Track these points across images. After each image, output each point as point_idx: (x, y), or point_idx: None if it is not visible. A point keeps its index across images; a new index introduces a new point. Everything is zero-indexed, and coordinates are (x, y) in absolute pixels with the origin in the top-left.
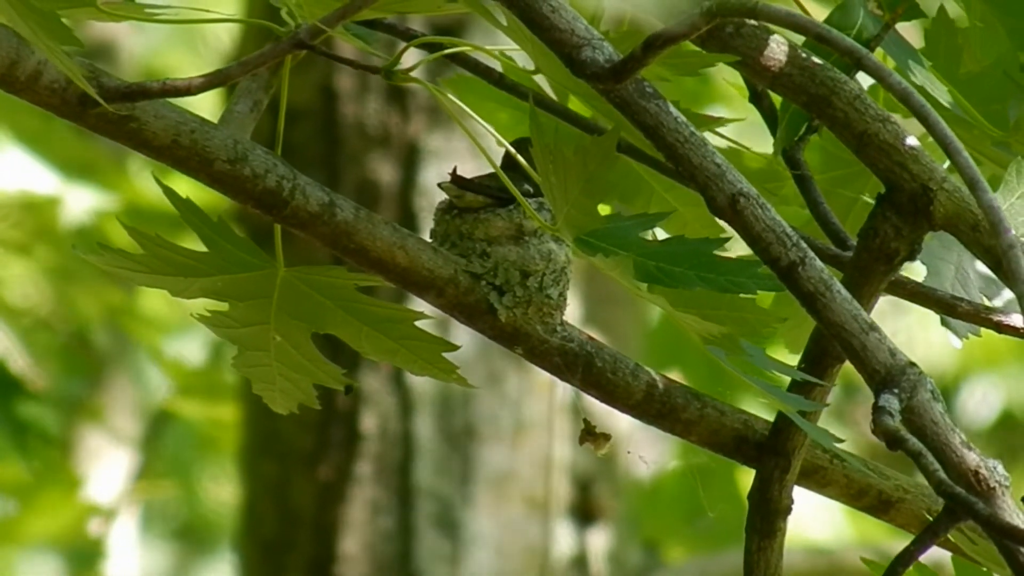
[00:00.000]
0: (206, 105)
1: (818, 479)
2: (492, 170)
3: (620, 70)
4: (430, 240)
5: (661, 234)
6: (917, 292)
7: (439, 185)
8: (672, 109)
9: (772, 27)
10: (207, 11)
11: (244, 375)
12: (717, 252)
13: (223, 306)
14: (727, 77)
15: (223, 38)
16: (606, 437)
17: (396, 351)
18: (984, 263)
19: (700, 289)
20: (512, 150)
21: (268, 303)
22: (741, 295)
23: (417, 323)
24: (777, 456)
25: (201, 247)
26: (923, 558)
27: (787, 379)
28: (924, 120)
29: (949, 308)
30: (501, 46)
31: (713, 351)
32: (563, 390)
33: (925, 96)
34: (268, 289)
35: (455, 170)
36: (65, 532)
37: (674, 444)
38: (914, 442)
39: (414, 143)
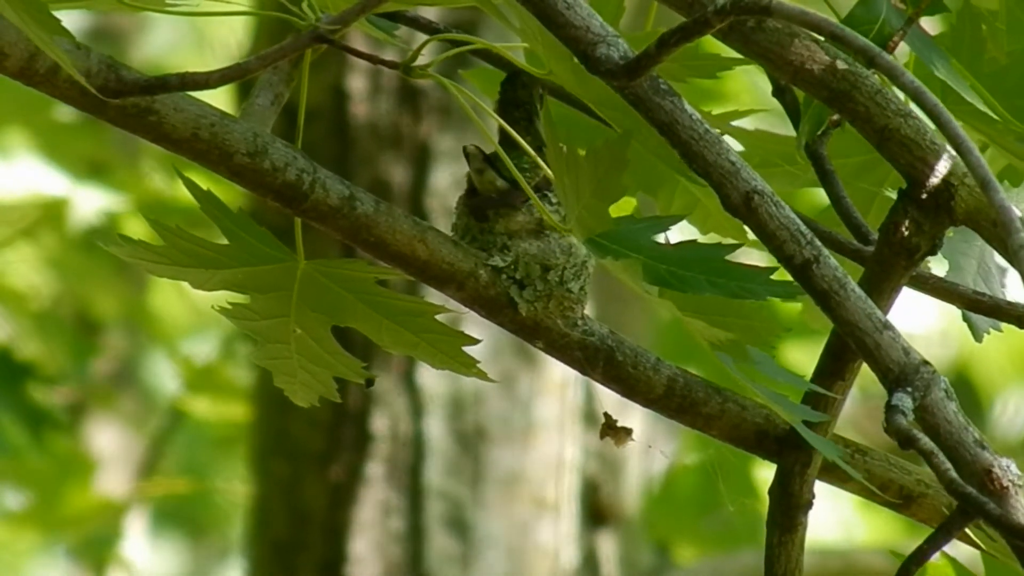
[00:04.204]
0: (221, 102)
1: (839, 474)
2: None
3: (634, 67)
4: (451, 234)
5: (677, 233)
6: (939, 287)
7: (464, 148)
8: (687, 106)
9: None
10: (227, 2)
11: (265, 368)
12: (729, 258)
13: (244, 299)
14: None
15: (231, 43)
16: (627, 431)
17: (416, 344)
18: (1005, 259)
19: (710, 295)
20: (509, 128)
21: (288, 296)
22: (751, 302)
23: (436, 317)
24: (798, 451)
25: (221, 240)
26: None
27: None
28: (936, 119)
29: (971, 303)
30: (518, 42)
31: (721, 357)
32: (574, 391)
33: (948, 91)
34: (288, 282)
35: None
36: (79, 523)
37: (683, 445)
38: (926, 441)
39: (426, 144)
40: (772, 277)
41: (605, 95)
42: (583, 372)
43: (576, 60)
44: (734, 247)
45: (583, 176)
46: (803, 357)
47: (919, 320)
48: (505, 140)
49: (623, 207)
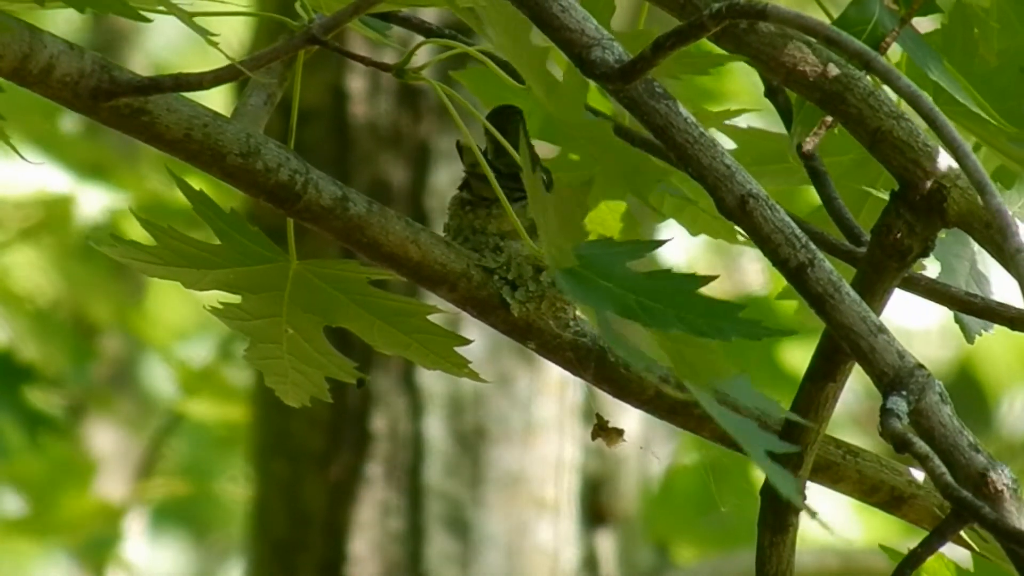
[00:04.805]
0: (216, 102)
1: (831, 475)
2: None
3: (629, 70)
4: (443, 234)
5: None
6: (931, 289)
7: (457, 143)
8: (682, 109)
9: None
10: (223, 2)
11: (256, 368)
12: (701, 291)
13: (236, 299)
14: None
15: (233, 43)
16: (618, 432)
17: (408, 345)
18: (998, 261)
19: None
20: (497, 133)
21: (280, 296)
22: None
23: (429, 317)
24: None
25: (214, 240)
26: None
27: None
28: (932, 123)
29: (964, 305)
30: None
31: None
32: (574, 391)
33: (940, 92)
34: (281, 282)
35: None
36: (79, 526)
37: (682, 445)
38: (921, 445)
39: (425, 144)
40: (741, 315)
41: (575, 119)
42: (575, 373)
43: (551, 82)
44: (707, 279)
45: (550, 211)
46: (802, 356)
47: (925, 317)
48: (502, 128)
49: (613, 211)
